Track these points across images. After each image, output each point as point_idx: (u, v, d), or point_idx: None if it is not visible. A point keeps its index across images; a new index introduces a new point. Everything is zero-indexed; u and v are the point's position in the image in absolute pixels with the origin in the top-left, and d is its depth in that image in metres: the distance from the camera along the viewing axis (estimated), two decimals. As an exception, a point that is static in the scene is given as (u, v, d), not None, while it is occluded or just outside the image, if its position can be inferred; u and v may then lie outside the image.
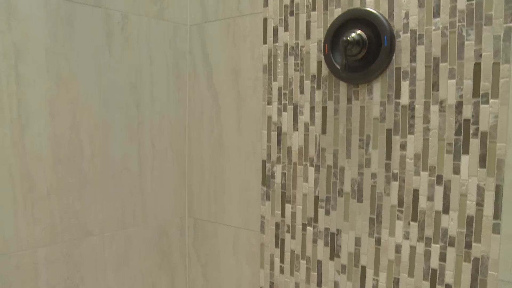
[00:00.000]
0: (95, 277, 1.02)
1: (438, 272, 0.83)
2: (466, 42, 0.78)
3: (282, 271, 1.04)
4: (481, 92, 0.77)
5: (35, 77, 0.90)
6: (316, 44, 0.95)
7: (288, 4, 0.99)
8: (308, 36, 0.96)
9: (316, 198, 0.97)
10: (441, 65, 0.81)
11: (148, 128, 1.11)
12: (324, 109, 0.95)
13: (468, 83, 0.79)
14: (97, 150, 1.01)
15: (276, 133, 1.03)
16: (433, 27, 0.81)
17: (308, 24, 0.96)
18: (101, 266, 1.03)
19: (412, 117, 0.84)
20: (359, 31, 0.87)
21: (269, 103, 1.03)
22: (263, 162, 1.06)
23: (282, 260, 1.04)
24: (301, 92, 0.98)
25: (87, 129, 0.99)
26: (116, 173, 1.05)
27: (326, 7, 0.93)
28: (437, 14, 0.81)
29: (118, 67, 1.04)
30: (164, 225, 1.17)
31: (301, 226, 1.00)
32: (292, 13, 0.99)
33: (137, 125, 1.08)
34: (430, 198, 0.83)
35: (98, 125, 1.01)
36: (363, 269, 0.92)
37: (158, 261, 1.16)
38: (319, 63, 0.95)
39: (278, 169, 1.03)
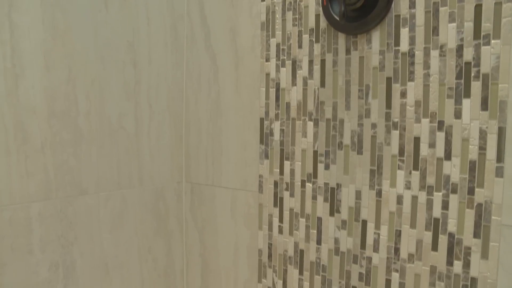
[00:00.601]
0: (89, 237, 1.00)
1: (440, 221, 0.81)
2: (466, -16, 0.77)
3: (281, 231, 1.02)
4: (482, 34, 0.76)
5: (30, 27, 0.89)
6: (314, -3, 0.94)
7: (286, -41, 0.98)
8: (306, -10, 0.95)
9: (315, 153, 0.95)
10: (441, 9, 0.80)
11: (145, 89, 1.09)
12: (322, 62, 0.94)
13: (468, 25, 0.77)
14: (93, 106, 0.99)
15: (275, 89, 1.01)
16: (433, -29, 0.80)
17: (306, -22, 0.95)
18: (95, 226, 1.01)
19: (412, 63, 0.83)
20: (357, -21, 0.86)
21: (267, 60, 1.02)
22: (261, 120, 1.04)
23: (281, 219, 1.02)
24: (300, 46, 0.97)
25: (83, 85, 0.98)
26: (112, 131, 1.03)
27: (324, -41, 0.92)
28: (436, -45, 0.80)
29: (115, 25, 1.02)
30: (161, 189, 1.15)
31: (300, 183, 0.98)
32: (290, -32, 0.98)
33: (134, 84, 1.07)
34: (432, 145, 0.82)
35: (94, 81, 0.99)
36: (364, 223, 0.90)
37: (154, 226, 1.14)
38: (317, 16, 0.94)
39: (276, 126, 1.01)
